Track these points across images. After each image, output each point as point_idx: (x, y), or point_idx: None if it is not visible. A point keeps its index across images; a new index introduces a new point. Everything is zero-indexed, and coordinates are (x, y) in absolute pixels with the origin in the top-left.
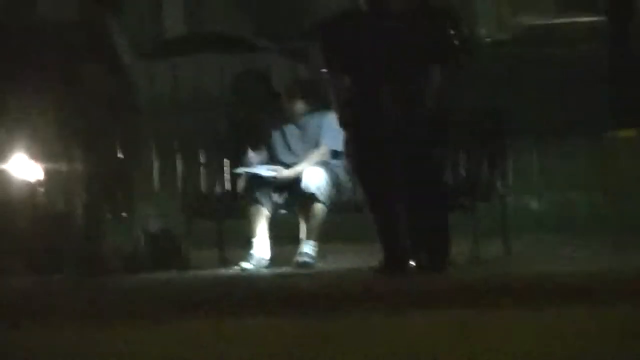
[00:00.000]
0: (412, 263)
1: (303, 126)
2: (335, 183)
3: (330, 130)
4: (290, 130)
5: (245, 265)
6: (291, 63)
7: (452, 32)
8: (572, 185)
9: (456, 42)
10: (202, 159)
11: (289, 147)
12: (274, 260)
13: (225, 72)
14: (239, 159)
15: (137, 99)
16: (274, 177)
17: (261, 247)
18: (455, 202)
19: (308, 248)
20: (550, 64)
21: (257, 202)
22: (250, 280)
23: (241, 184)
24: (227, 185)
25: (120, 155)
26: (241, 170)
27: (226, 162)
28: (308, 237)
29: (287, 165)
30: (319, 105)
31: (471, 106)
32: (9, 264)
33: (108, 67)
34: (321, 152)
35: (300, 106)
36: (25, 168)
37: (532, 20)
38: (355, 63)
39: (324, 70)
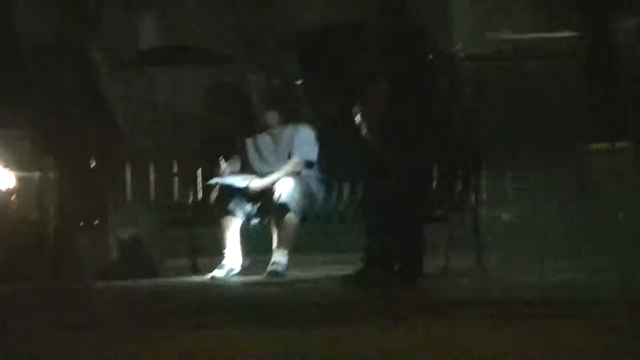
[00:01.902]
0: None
1: (276, 137)
2: (307, 193)
3: (304, 141)
4: (264, 140)
5: (216, 274)
6: (265, 74)
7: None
8: (547, 197)
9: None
10: (175, 168)
11: (262, 158)
12: (246, 270)
13: (200, 83)
14: (212, 169)
15: (113, 109)
16: (247, 187)
17: (233, 257)
18: (429, 213)
19: (280, 257)
20: (526, 78)
21: (229, 212)
22: (221, 289)
23: (214, 194)
24: (200, 195)
25: (93, 163)
26: (214, 180)
27: (199, 171)
28: (280, 247)
29: (261, 175)
30: (292, 116)
31: (450, 121)
32: None
33: (85, 79)
34: (295, 163)
35: (273, 117)
36: None
37: (509, 35)
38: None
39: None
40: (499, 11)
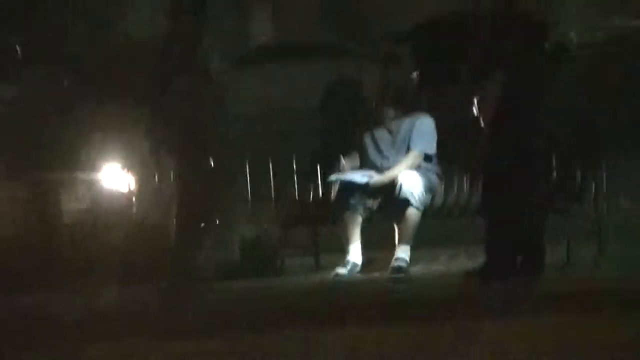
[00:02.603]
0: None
1: (394, 131)
2: (427, 187)
3: (422, 134)
4: (382, 135)
5: (340, 271)
6: (381, 68)
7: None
8: None
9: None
10: (295, 166)
11: (381, 153)
12: (368, 266)
13: (316, 78)
14: (331, 166)
15: (229, 107)
16: (367, 183)
17: (355, 254)
18: (551, 205)
19: (402, 253)
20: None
21: (350, 208)
22: (345, 286)
23: (334, 190)
24: (321, 192)
25: (213, 163)
26: (334, 177)
27: (319, 168)
28: (402, 242)
29: (380, 170)
30: (409, 110)
31: (564, 111)
32: (107, 274)
33: (199, 77)
34: (414, 157)
35: (390, 111)
36: (118, 178)
37: (623, 22)
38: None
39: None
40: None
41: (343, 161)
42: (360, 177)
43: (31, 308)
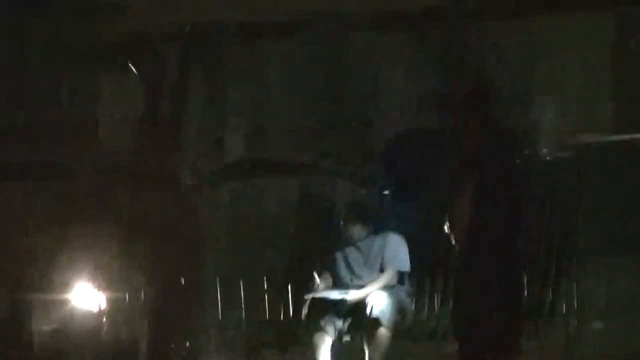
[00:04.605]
0: None
1: (365, 249)
2: (399, 307)
3: (396, 253)
4: (352, 254)
5: None
6: (353, 187)
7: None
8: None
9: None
10: (265, 286)
11: (352, 272)
12: None
13: (287, 196)
14: (303, 285)
15: (200, 226)
16: (344, 300)
17: None
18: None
19: None
20: (611, 182)
21: (321, 329)
22: None
23: (304, 311)
24: (291, 313)
25: (182, 283)
26: (310, 295)
27: (289, 288)
28: None
29: (352, 289)
30: (378, 228)
31: (538, 228)
32: None
33: (171, 197)
34: (389, 275)
35: (359, 230)
36: (89, 297)
37: (591, 139)
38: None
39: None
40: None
41: (317, 280)
42: (336, 294)
43: None
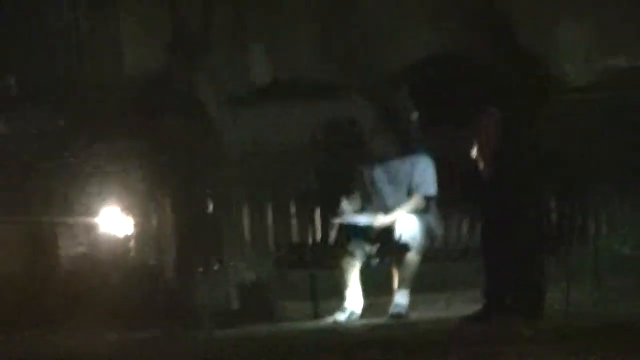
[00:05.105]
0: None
1: (393, 171)
2: (427, 231)
3: (424, 177)
4: (380, 175)
5: (338, 317)
6: (379, 108)
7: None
8: None
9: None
10: (292, 209)
11: (380, 194)
12: (367, 311)
13: (314, 119)
14: (330, 208)
15: (225, 149)
16: (371, 225)
17: (354, 299)
18: (549, 247)
19: (401, 299)
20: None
21: (349, 253)
22: (344, 332)
23: (333, 234)
24: (319, 236)
25: (209, 206)
26: (338, 220)
27: (317, 211)
28: (401, 288)
29: (378, 211)
30: (408, 149)
31: (563, 154)
32: (101, 318)
33: (194, 119)
34: (418, 200)
35: (387, 149)
36: (116, 221)
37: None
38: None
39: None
40: (612, 36)
41: (345, 204)
42: (364, 219)
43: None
